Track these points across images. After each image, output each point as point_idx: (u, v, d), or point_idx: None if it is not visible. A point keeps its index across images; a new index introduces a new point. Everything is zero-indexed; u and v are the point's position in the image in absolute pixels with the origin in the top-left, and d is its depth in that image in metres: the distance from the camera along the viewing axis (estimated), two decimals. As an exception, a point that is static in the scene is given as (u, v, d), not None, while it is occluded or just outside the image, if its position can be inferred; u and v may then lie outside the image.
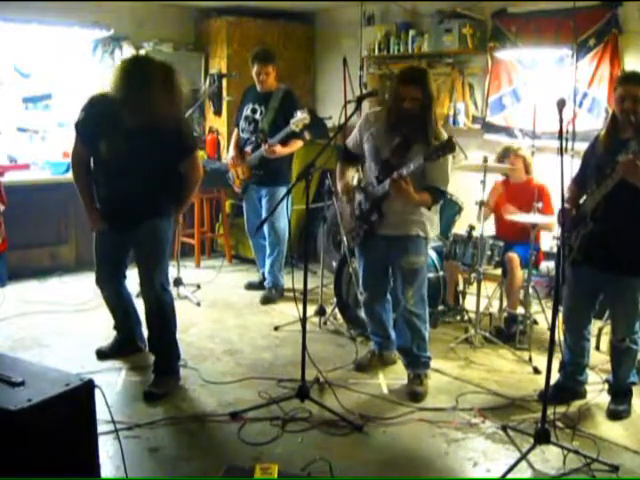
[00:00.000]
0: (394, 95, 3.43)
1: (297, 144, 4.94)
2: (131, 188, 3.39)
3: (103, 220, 3.59)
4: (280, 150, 4.84)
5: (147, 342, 3.87)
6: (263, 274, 5.38)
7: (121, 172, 3.38)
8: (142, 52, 6.29)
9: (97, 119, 3.33)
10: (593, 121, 4.92)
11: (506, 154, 4.62)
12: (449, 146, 3.22)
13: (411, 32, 5.91)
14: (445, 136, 3.39)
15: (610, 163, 3.13)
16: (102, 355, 3.98)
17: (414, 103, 3.35)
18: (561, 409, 3.28)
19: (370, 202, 3.53)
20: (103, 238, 3.69)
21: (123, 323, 4.02)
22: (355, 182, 3.82)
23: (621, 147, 3.11)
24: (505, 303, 4.52)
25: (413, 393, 3.55)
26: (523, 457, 2.86)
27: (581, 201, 3.34)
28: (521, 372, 3.93)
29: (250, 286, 5.46)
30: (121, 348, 4.02)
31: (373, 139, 3.52)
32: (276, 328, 4.53)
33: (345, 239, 4.29)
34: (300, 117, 4.68)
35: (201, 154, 6.36)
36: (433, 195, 3.42)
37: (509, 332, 4.35)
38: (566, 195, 3.34)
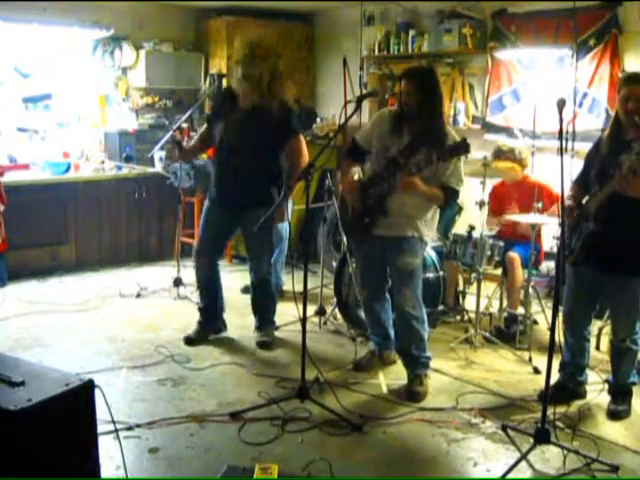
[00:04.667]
0: (398, 92, 3.48)
1: None
2: (239, 164, 3.91)
3: (215, 198, 4.13)
4: None
5: (252, 305, 4.35)
6: None
7: (231, 149, 3.94)
8: (142, 52, 6.30)
9: (218, 106, 4.14)
10: (593, 121, 4.92)
11: (498, 156, 4.61)
12: (463, 147, 3.22)
13: (411, 32, 5.91)
14: (457, 137, 3.40)
15: (613, 164, 3.12)
16: (190, 341, 4.17)
17: (410, 98, 3.38)
18: (561, 409, 3.28)
19: (374, 198, 3.52)
20: (212, 214, 4.14)
21: (209, 301, 4.29)
22: (356, 178, 3.81)
23: (625, 148, 3.11)
24: (505, 303, 4.52)
25: (413, 393, 3.55)
26: (523, 457, 2.86)
27: (583, 201, 3.34)
28: (521, 372, 3.93)
29: (247, 290, 5.40)
30: (206, 329, 4.28)
31: (382, 138, 3.52)
32: (276, 328, 4.53)
33: (346, 239, 4.29)
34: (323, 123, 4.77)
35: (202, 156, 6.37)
36: (446, 194, 3.43)
37: (509, 332, 4.35)
38: (569, 193, 3.35)
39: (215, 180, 4.13)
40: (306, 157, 4.02)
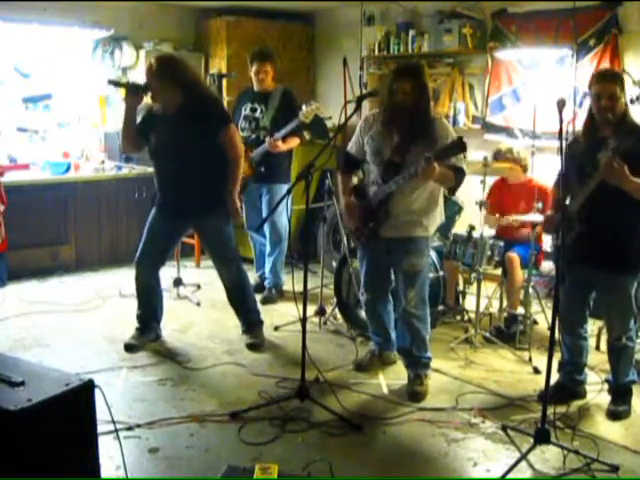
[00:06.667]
0: (388, 90, 3.41)
1: (295, 141, 4.96)
2: (175, 171, 3.87)
3: (160, 205, 4.05)
4: (280, 145, 4.86)
5: (234, 309, 4.29)
6: (260, 276, 5.37)
7: (165, 156, 3.90)
8: (142, 52, 6.30)
9: (146, 117, 4.01)
10: (593, 121, 4.92)
11: (497, 157, 4.61)
12: (460, 146, 3.21)
13: (411, 32, 5.92)
14: (452, 132, 3.40)
15: (591, 162, 3.13)
16: (130, 348, 4.06)
17: (406, 97, 3.34)
18: (561, 409, 3.28)
19: (376, 202, 3.51)
20: (155, 222, 4.06)
21: (145, 310, 4.19)
22: (355, 181, 3.82)
23: (600, 145, 3.12)
24: (505, 303, 4.52)
25: (413, 393, 3.55)
26: (523, 457, 2.86)
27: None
28: (521, 372, 3.93)
29: (256, 288, 5.41)
30: (144, 336, 4.15)
31: (373, 141, 3.50)
32: (276, 328, 4.53)
33: (346, 239, 4.29)
34: (309, 108, 4.70)
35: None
36: (455, 173, 3.36)
37: (509, 332, 4.35)
38: (550, 199, 3.37)
39: (158, 188, 4.07)
40: (240, 148, 3.95)
